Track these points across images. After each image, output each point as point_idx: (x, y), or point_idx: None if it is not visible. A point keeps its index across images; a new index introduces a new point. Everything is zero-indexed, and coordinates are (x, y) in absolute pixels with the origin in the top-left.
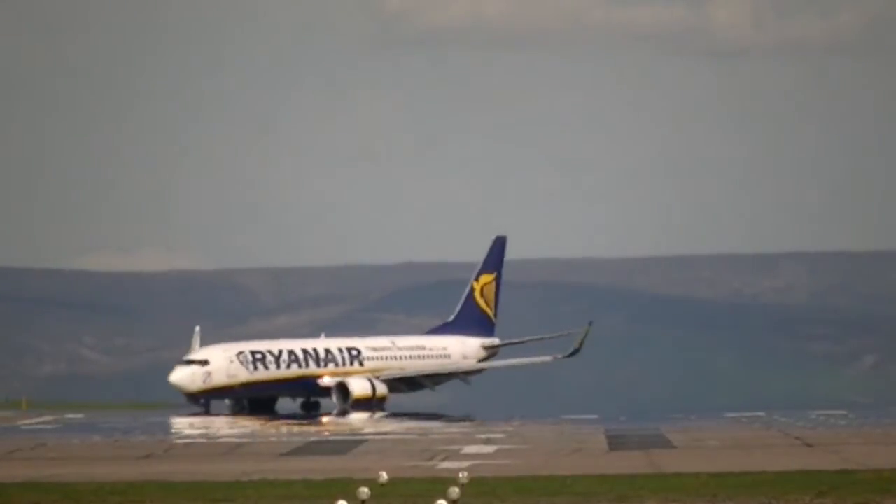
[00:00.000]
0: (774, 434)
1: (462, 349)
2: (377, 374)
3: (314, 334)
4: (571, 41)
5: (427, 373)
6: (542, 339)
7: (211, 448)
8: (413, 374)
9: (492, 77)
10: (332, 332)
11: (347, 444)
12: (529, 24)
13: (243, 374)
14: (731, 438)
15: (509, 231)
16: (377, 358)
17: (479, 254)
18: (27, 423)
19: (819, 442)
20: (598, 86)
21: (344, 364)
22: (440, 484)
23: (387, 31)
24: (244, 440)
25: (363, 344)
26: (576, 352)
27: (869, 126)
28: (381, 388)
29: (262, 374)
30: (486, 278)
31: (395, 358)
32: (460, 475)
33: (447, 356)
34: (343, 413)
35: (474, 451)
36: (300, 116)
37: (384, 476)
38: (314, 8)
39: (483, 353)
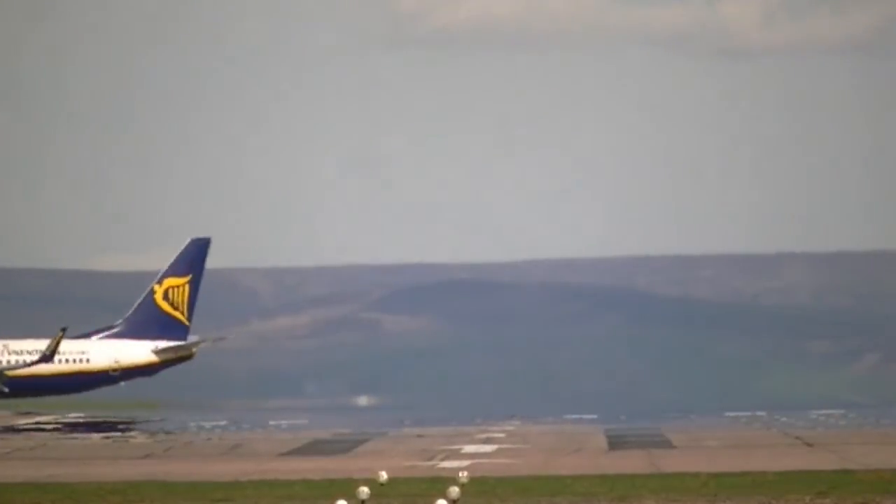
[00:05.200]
0: (774, 434)
1: (114, 353)
2: None
3: (315, 334)
4: (579, 41)
5: None
6: (223, 338)
7: (210, 448)
8: None
9: (501, 77)
10: (332, 332)
11: (348, 444)
12: (538, 25)
13: None
14: (731, 438)
15: (509, 230)
16: None
17: (484, 254)
18: (26, 423)
19: (819, 442)
20: (602, 86)
21: None
22: (440, 484)
23: (398, 30)
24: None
25: None
26: (47, 357)
27: (871, 126)
28: None
29: None
30: (174, 281)
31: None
32: (460, 475)
33: (86, 360)
34: None
35: (474, 450)
36: (303, 116)
37: (384, 476)
38: (319, 7)
39: (155, 357)
